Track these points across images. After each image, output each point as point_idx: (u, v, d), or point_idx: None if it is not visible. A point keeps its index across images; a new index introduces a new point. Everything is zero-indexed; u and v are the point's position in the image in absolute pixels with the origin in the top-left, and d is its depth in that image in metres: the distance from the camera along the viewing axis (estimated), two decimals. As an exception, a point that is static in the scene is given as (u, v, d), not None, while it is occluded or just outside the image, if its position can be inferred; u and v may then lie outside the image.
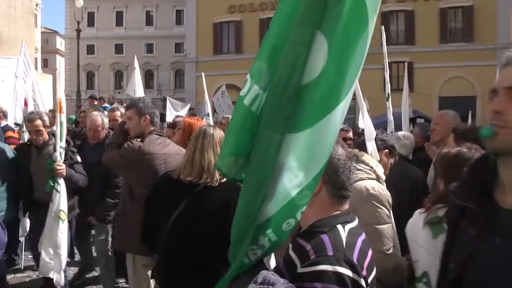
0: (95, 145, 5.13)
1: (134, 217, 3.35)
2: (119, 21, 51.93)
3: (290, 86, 1.65)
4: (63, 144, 4.33)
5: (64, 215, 4.17)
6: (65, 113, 4.42)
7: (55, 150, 4.31)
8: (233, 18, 31.64)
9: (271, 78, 1.75)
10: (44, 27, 43.71)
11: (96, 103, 11.49)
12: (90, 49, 50.04)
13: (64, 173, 4.25)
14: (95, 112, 5.57)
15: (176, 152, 3.69)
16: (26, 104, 6.35)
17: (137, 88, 9.57)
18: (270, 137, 1.68)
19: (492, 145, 1.26)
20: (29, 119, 4.90)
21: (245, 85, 1.81)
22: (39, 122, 4.81)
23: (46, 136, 4.88)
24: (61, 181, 4.20)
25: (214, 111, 10.16)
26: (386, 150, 3.25)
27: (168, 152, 3.65)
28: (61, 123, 4.24)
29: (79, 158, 4.86)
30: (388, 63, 5.08)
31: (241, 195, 1.83)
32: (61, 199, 4.18)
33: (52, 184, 4.18)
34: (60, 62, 53.39)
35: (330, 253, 1.50)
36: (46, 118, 4.97)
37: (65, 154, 4.46)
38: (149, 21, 51.51)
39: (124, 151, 3.63)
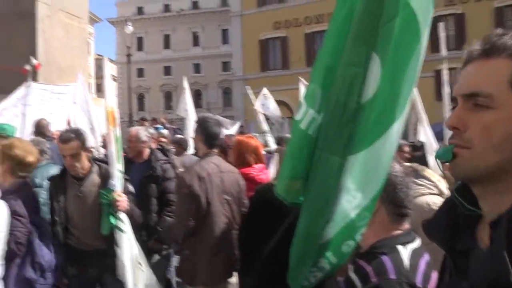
0: (140, 164, 4.57)
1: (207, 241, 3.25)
2: (166, 44, 53.49)
3: (349, 108, 1.65)
4: (121, 166, 3.45)
5: (143, 260, 3.35)
6: (119, 126, 3.67)
7: (105, 177, 3.50)
8: (279, 34, 31.73)
9: (326, 100, 1.76)
10: (97, 54, 45.62)
11: (147, 124, 11.75)
12: (140, 72, 51.73)
13: (127, 206, 3.34)
14: (135, 127, 5.46)
15: (230, 170, 3.66)
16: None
17: (188, 108, 9.70)
18: (329, 159, 1.68)
19: (454, 172, 0.95)
20: (64, 139, 3.52)
21: (300, 109, 1.83)
22: (75, 143, 3.49)
23: (86, 163, 3.60)
24: (124, 217, 3.27)
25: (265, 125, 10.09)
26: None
27: (223, 170, 3.59)
28: (116, 139, 3.43)
29: (131, 188, 3.77)
30: (438, 70, 4.87)
31: (301, 218, 1.83)
32: (132, 241, 3.30)
33: (112, 222, 3.23)
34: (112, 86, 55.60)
35: (392, 276, 1.44)
36: (86, 138, 3.76)
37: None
38: (195, 41, 52.73)
39: (180, 188, 3.50)
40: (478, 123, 0.89)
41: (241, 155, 4.21)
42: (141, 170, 4.47)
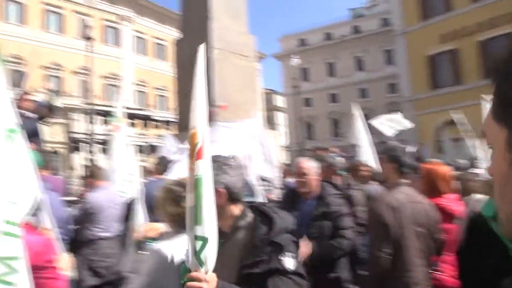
0: (311, 199, 4.12)
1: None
2: (330, 72, 54.20)
3: None
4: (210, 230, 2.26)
5: None
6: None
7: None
8: (447, 47, 29.53)
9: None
10: (265, 88, 48.52)
11: (320, 153, 11.81)
12: (307, 102, 53.09)
13: None
14: (305, 158, 5.34)
15: (420, 200, 3.41)
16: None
17: (360, 136, 9.46)
18: None
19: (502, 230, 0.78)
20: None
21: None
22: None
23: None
24: None
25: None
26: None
27: (414, 200, 3.36)
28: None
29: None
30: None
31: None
32: None
33: None
34: (281, 118, 58.07)
35: None
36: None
37: None
38: (359, 66, 52.42)
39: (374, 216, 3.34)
40: None
41: (431, 184, 3.88)
42: (312, 206, 4.06)
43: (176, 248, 2.45)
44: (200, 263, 2.12)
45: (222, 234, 2.14)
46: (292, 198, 4.31)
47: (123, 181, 5.75)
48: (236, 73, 9.78)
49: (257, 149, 7.32)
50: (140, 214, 4.44)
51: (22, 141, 2.58)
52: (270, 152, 7.56)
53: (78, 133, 25.18)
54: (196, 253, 2.12)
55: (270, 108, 61.40)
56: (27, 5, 36.64)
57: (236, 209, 2.21)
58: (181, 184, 2.61)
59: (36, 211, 2.99)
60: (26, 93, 6.45)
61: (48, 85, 7.32)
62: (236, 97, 9.35)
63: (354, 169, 6.68)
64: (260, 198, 5.77)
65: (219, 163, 2.22)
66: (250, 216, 2.20)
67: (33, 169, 2.75)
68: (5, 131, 2.34)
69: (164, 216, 2.75)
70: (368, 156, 8.29)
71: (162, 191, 2.76)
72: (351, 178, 6.54)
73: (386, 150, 3.69)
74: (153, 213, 4.16)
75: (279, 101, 60.52)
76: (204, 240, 2.17)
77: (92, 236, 5.49)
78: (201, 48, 2.76)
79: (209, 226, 2.15)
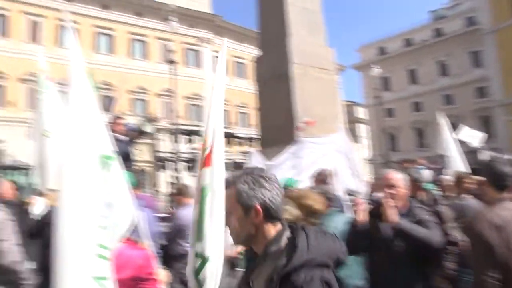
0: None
1: None
2: (413, 79, 52.26)
3: None
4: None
5: None
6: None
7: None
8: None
9: None
10: (346, 100, 47.80)
11: (405, 165, 11.34)
12: (390, 112, 51.43)
13: None
14: (392, 170, 4.95)
15: None
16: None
17: (448, 145, 8.94)
18: None
19: None
20: None
21: None
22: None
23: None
24: None
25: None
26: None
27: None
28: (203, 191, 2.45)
29: None
30: None
31: None
32: None
33: None
34: (363, 130, 56.78)
35: None
36: None
37: None
38: (442, 71, 50.02)
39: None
40: None
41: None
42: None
43: None
44: (199, 283, 1.99)
45: (256, 259, 1.83)
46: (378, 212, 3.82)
47: None
48: (317, 87, 9.67)
49: (343, 163, 7.15)
50: None
51: (117, 166, 2.64)
52: (356, 165, 7.37)
53: (164, 152, 26.21)
54: (195, 272, 2.01)
55: (352, 121, 60.24)
56: (115, 36, 39.53)
57: (272, 230, 1.79)
58: None
59: (135, 228, 3.11)
60: (118, 117, 6.79)
61: (153, 114, 7.78)
62: (318, 111, 9.22)
63: (459, 181, 6.16)
64: (349, 213, 5.57)
65: (255, 176, 1.82)
66: (285, 239, 1.76)
67: (128, 190, 2.81)
68: (101, 158, 2.41)
69: None
70: (459, 167, 7.80)
71: None
72: (453, 191, 6.08)
73: (482, 161, 3.36)
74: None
75: (361, 112, 59.25)
76: (204, 259, 2.04)
77: (183, 251, 5.64)
78: (223, 46, 2.52)
79: (211, 244, 2.03)
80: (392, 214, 3.28)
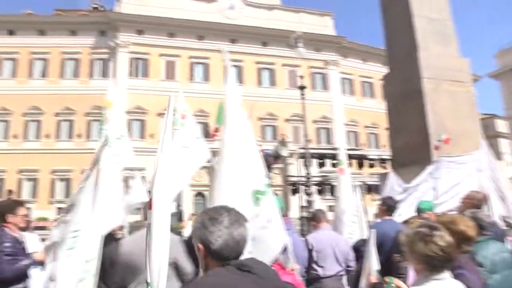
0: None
1: None
2: None
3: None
4: None
5: None
6: None
7: None
8: None
9: None
10: (483, 113, 43.92)
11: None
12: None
13: None
14: None
15: None
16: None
17: None
18: None
19: None
20: None
21: None
22: None
23: None
24: None
25: None
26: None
27: None
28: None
29: None
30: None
31: None
32: None
33: None
34: (504, 144, 51.50)
35: None
36: None
37: None
38: None
39: None
40: None
41: None
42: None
43: None
44: None
45: None
46: None
47: (350, 222, 5.82)
48: (451, 101, 9.04)
49: (489, 185, 6.50)
50: (373, 256, 4.30)
51: (270, 197, 2.61)
52: (502, 186, 6.63)
53: (294, 176, 26.49)
54: None
55: (491, 135, 55.11)
56: (243, 66, 41.73)
57: (213, 269, 1.83)
58: (428, 225, 2.53)
59: (283, 252, 3.15)
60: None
61: (286, 136, 7.98)
62: (454, 127, 8.59)
63: None
64: (508, 243, 4.98)
65: (204, 216, 1.88)
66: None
67: (280, 217, 2.79)
68: (254, 194, 2.44)
69: (413, 258, 2.58)
70: None
71: (409, 232, 2.62)
72: None
73: None
74: (382, 254, 4.16)
75: (501, 126, 54.07)
76: (148, 285, 2.31)
77: (315, 275, 5.62)
78: (225, 58, 2.51)
79: (152, 271, 2.29)
80: None
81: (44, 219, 28.43)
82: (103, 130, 5.26)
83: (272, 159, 6.77)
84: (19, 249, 4.04)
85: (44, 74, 39.21)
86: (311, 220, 6.32)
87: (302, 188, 21.81)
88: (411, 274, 3.64)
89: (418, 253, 2.50)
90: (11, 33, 39.64)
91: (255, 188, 2.50)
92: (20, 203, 4.61)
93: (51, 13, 42.95)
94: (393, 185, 7.54)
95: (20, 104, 37.27)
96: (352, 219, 5.88)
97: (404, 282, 3.89)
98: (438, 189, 6.55)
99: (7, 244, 3.87)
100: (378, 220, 5.83)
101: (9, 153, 36.28)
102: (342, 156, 6.81)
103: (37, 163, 35.73)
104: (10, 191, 15.65)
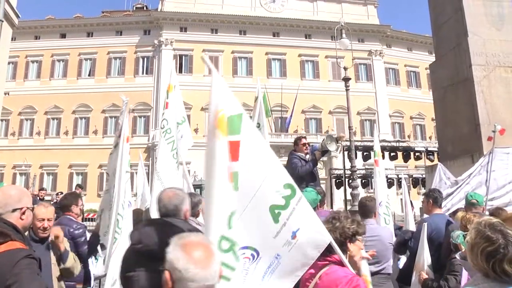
0: None
1: None
2: None
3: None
4: None
5: None
6: None
7: None
8: None
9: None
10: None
11: None
12: None
13: None
14: None
15: None
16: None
17: None
18: None
19: None
20: None
21: None
22: None
23: None
24: None
25: None
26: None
27: None
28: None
29: None
30: None
31: None
32: None
33: None
34: None
35: None
36: None
37: None
38: None
39: None
40: None
41: None
42: None
43: None
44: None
45: None
46: None
47: (384, 214, 5.64)
48: (506, 88, 8.52)
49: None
50: (425, 252, 4.07)
51: (291, 210, 2.40)
52: None
53: (339, 169, 26.06)
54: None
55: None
56: (286, 59, 41.57)
57: None
58: (490, 225, 2.23)
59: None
60: (301, 138, 6.83)
61: (343, 137, 7.71)
62: (509, 116, 8.10)
63: None
64: None
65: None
66: None
67: (313, 215, 2.55)
68: (271, 210, 2.27)
69: (475, 260, 2.34)
70: None
71: (472, 232, 2.36)
72: None
73: None
74: (433, 249, 4.07)
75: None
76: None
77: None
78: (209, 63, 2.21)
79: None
80: None
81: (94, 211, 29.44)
82: (163, 116, 5.29)
83: (319, 154, 6.54)
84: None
85: (91, 73, 40.56)
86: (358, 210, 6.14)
87: (346, 181, 21.42)
88: (465, 273, 3.42)
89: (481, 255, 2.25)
90: (63, 36, 41.44)
91: (272, 203, 2.30)
92: (80, 196, 5.62)
93: (99, 15, 44.20)
94: (442, 178, 7.22)
95: (70, 102, 38.86)
96: (385, 210, 5.67)
97: (458, 280, 3.65)
98: (492, 182, 6.20)
99: (81, 230, 4.59)
100: (425, 216, 5.58)
101: (61, 149, 37.98)
102: (377, 147, 6.52)
103: (86, 158, 37.56)
104: (79, 186, 17.02)
